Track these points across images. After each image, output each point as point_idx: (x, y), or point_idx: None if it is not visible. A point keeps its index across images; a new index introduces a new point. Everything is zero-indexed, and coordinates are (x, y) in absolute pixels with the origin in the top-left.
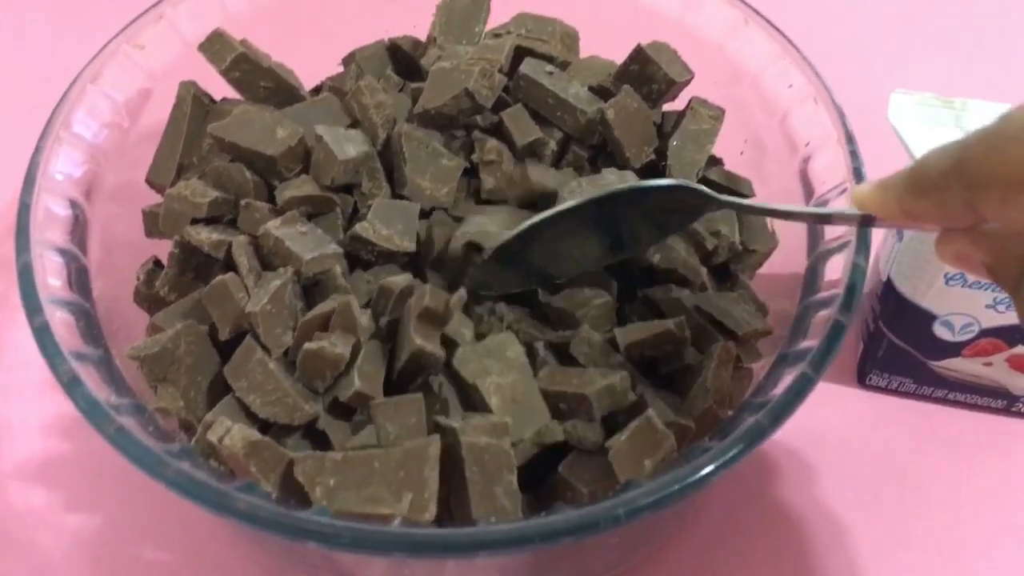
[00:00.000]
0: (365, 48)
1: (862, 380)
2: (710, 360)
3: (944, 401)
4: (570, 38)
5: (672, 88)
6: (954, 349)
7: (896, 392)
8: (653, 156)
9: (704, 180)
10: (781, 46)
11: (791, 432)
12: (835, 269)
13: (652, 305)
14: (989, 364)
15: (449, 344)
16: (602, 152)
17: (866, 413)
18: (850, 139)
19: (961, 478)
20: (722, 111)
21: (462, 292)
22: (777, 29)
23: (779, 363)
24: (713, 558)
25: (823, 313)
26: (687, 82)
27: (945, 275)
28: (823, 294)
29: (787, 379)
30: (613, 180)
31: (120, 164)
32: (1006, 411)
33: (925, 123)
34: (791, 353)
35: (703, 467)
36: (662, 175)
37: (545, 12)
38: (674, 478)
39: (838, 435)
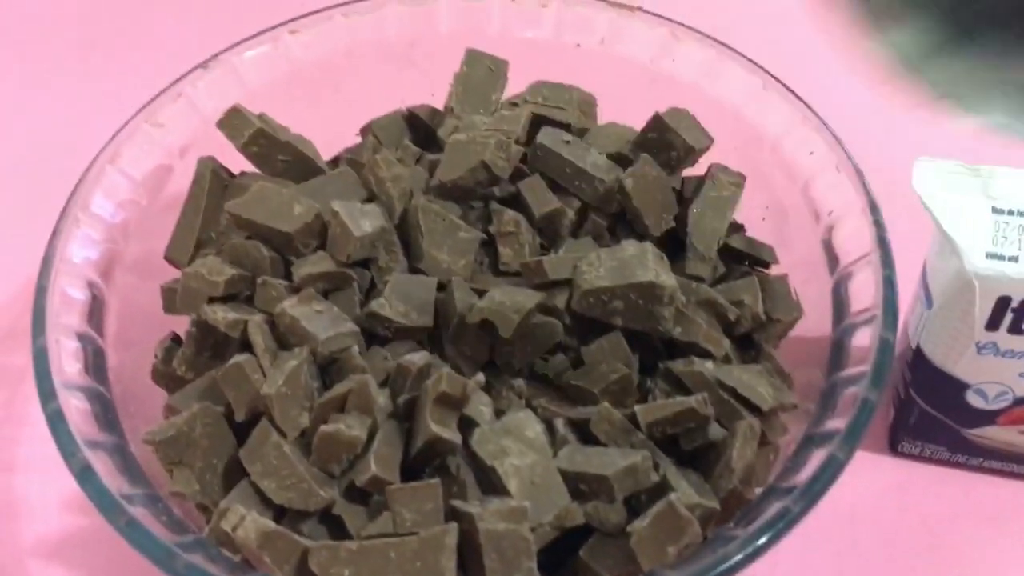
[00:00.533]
0: (382, 118)
1: (894, 448)
2: (734, 438)
3: (980, 469)
4: (587, 105)
5: (691, 155)
6: (988, 417)
7: (929, 460)
8: (673, 224)
9: (726, 247)
10: (802, 113)
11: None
12: (862, 339)
13: (673, 379)
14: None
15: (467, 423)
16: (621, 220)
17: (899, 482)
18: (874, 208)
19: (1001, 548)
20: (743, 177)
21: (480, 377)
22: (796, 95)
23: (807, 443)
24: None
25: (851, 390)
26: (706, 148)
27: (976, 343)
28: (850, 371)
29: (815, 460)
30: (632, 252)
31: (140, 236)
32: None
33: (951, 191)
34: (818, 434)
35: (731, 556)
36: (682, 243)
37: (562, 79)
38: (701, 569)
39: (869, 505)
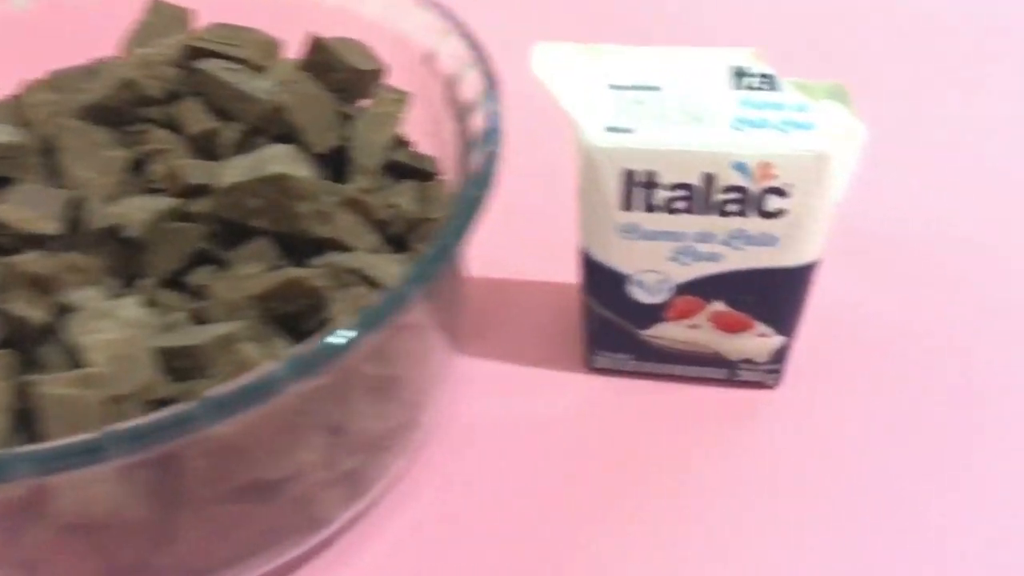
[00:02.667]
0: (64, 69)
1: (590, 364)
2: (340, 302)
3: (671, 377)
4: (269, 46)
5: (360, 79)
6: (656, 313)
7: (622, 373)
8: (339, 143)
9: (392, 162)
10: (449, 23)
11: (512, 422)
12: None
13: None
14: (696, 327)
15: (66, 310)
16: (287, 142)
17: (592, 397)
18: (490, 91)
19: (692, 457)
20: (406, 94)
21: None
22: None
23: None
24: (418, 538)
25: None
26: (377, 74)
27: (618, 226)
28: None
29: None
30: (272, 152)
31: None
32: (729, 381)
33: (570, 71)
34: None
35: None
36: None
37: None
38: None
39: (563, 421)
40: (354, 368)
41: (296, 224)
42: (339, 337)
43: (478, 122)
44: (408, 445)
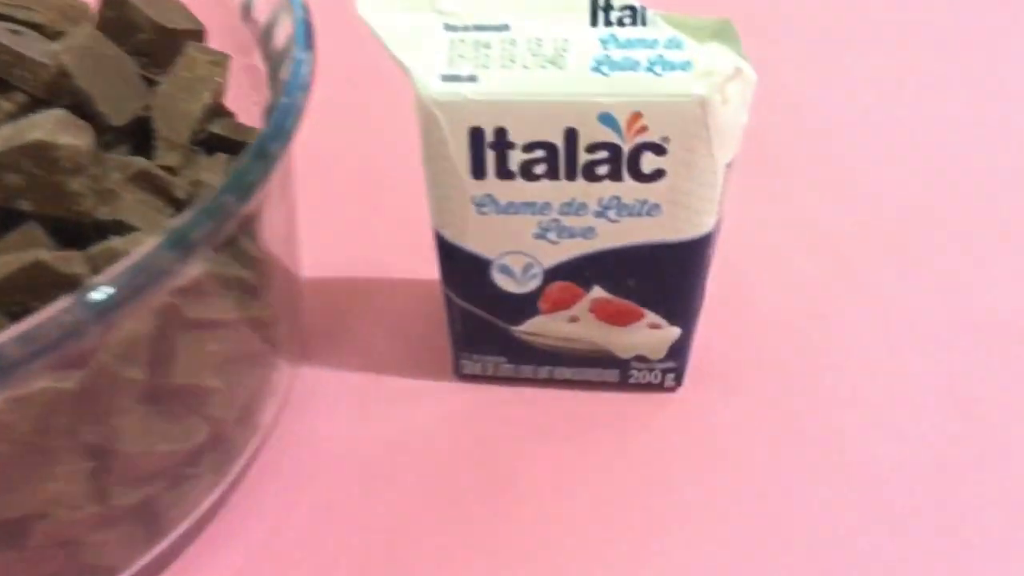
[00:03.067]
0: None
1: (458, 370)
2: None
3: (553, 382)
4: (75, 11)
5: (173, 40)
6: (528, 305)
7: (495, 379)
8: (143, 114)
9: (210, 134)
10: None
11: (366, 442)
12: None
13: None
14: (576, 320)
15: None
16: (77, 113)
17: (460, 409)
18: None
19: (567, 473)
20: (224, 56)
21: None
22: None
23: None
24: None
25: None
26: (194, 35)
27: (472, 199)
28: None
29: None
30: (37, 118)
31: None
32: (622, 384)
33: (400, 11)
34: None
35: None
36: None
37: None
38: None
39: (427, 438)
40: (110, 369)
41: (70, 204)
42: (70, 312)
43: (285, 74)
44: (225, 472)
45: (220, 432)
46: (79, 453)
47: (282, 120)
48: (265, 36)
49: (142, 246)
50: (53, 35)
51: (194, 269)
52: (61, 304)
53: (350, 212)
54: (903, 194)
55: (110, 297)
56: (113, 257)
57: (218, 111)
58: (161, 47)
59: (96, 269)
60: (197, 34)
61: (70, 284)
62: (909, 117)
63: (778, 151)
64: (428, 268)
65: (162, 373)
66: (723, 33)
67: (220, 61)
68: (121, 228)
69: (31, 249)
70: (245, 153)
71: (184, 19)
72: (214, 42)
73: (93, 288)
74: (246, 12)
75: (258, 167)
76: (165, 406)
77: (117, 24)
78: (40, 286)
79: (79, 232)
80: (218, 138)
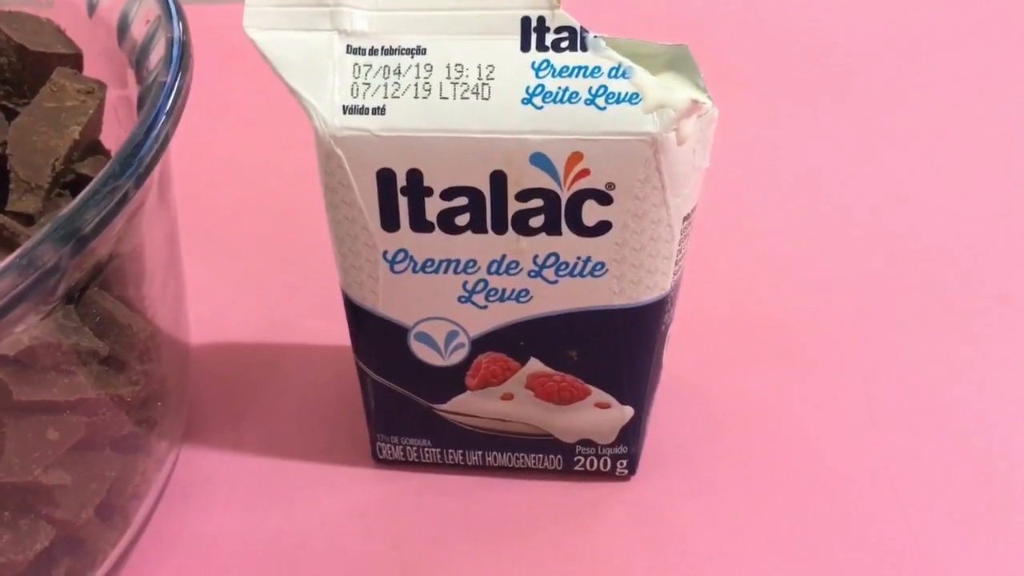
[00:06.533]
0: None
1: (375, 454)
2: None
3: (485, 470)
4: None
5: (38, 64)
6: (454, 380)
7: (419, 465)
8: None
9: (78, 175)
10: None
11: (264, 541)
12: None
13: None
14: (510, 397)
15: None
16: None
17: (377, 500)
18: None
19: (494, 573)
20: (102, 85)
21: None
22: None
23: None
24: None
25: None
26: (67, 59)
27: (384, 255)
28: None
29: None
30: None
31: None
32: (567, 473)
33: (295, 29)
34: None
35: None
36: None
37: None
38: None
39: (336, 536)
40: None
41: None
42: None
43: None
44: None
45: (72, 535)
46: None
47: (136, 151)
48: (140, 57)
49: None
50: None
51: (21, 336)
52: None
53: (252, 265)
54: (883, 265)
55: None
56: None
57: (91, 148)
58: (26, 73)
59: None
60: (71, 59)
61: None
62: (897, 167)
63: (747, 200)
64: (345, 332)
65: None
66: (679, 61)
67: (93, 90)
68: None
69: None
70: (85, 191)
71: (56, 42)
72: (92, 70)
73: None
74: (122, 33)
75: (97, 207)
76: None
77: None
78: None
79: None
80: (88, 180)
